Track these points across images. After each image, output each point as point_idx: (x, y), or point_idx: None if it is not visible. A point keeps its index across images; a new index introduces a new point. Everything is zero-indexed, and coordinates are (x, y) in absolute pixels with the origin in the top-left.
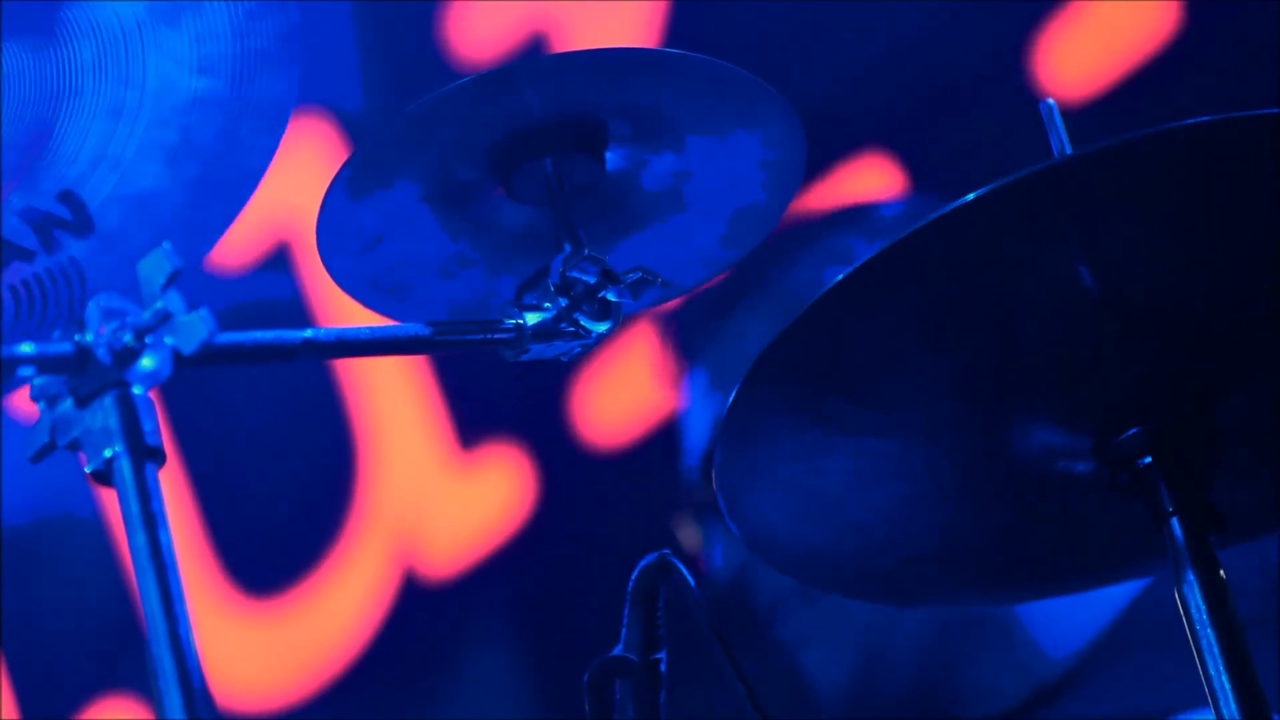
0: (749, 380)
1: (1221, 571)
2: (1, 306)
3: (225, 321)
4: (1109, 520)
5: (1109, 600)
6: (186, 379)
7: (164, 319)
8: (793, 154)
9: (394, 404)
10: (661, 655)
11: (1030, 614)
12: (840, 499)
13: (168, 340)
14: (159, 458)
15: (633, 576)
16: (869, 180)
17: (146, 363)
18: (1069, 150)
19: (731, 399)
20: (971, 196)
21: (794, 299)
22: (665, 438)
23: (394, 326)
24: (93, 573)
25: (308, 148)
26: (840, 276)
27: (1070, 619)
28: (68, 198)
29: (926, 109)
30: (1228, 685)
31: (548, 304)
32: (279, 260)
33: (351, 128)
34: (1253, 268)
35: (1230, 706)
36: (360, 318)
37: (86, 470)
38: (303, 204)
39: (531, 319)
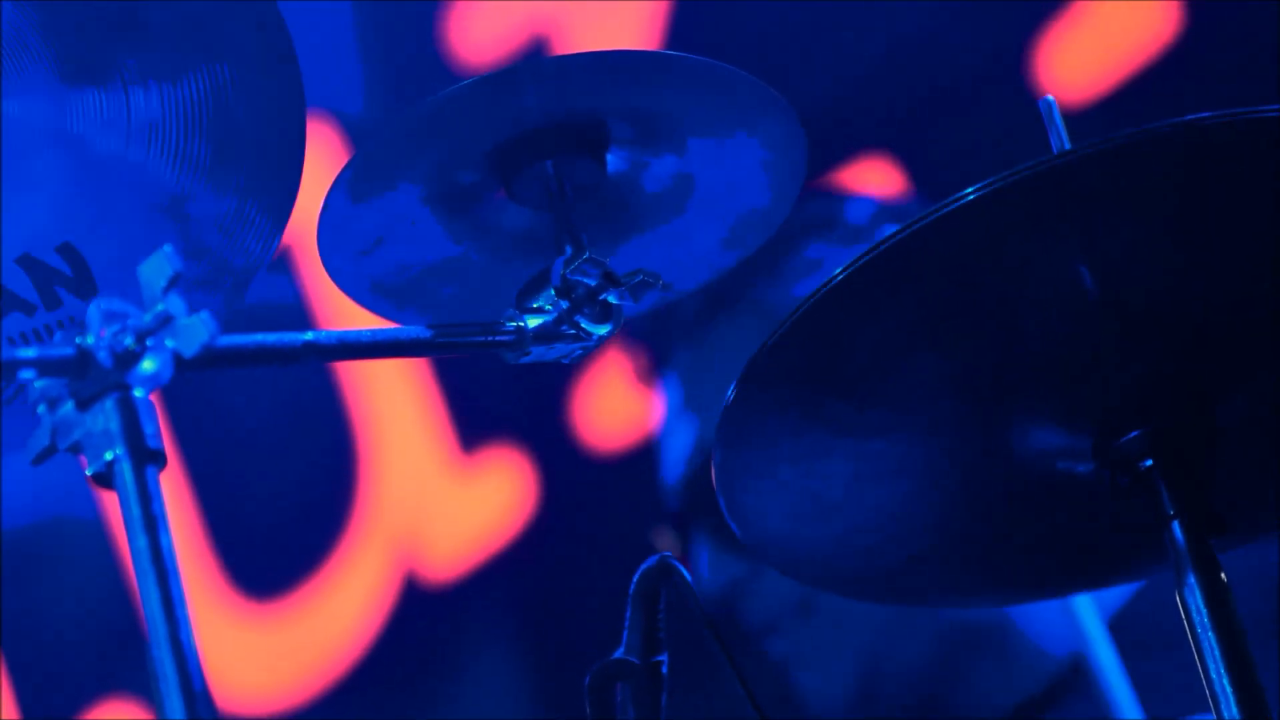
0: (748, 381)
1: (1223, 574)
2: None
3: (226, 324)
4: (1109, 521)
5: (1101, 606)
6: (188, 382)
7: (165, 321)
8: (794, 155)
9: (395, 407)
10: (663, 658)
11: (1025, 620)
12: (841, 499)
13: (169, 343)
14: (160, 460)
15: (634, 579)
16: (869, 180)
17: (148, 365)
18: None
19: (729, 399)
20: (969, 191)
21: (765, 311)
22: None
23: (395, 329)
24: (93, 575)
25: (309, 150)
26: (840, 276)
27: (1062, 625)
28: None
29: (927, 110)
30: (1229, 689)
31: (549, 306)
32: (280, 263)
33: (353, 130)
34: (1253, 268)
35: (1232, 710)
36: (361, 320)
37: (87, 473)
38: (304, 206)
39: (532, 322)
